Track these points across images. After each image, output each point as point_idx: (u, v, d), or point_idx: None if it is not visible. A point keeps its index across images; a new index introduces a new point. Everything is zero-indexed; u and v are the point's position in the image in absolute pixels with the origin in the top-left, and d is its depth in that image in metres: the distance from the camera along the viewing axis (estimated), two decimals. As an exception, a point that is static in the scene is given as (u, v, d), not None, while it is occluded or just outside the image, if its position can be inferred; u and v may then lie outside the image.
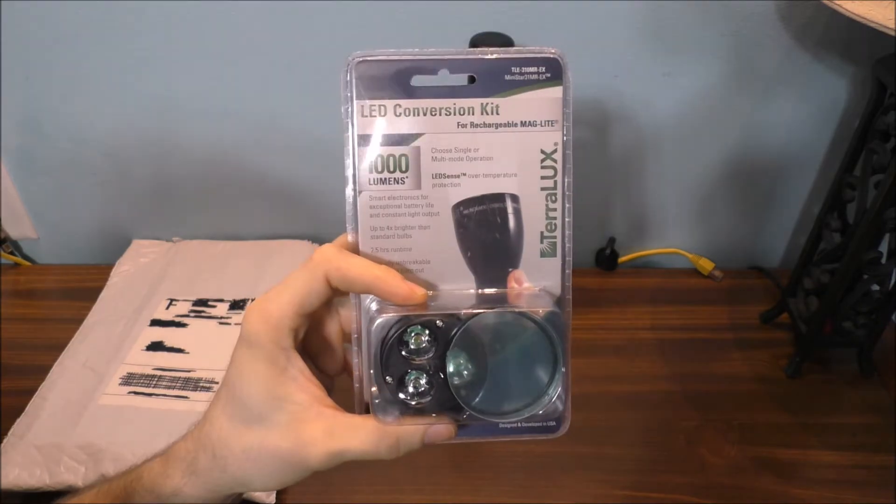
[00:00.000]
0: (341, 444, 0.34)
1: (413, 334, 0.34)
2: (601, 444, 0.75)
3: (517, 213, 0.36)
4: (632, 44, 0.83)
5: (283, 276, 0.35)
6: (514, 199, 0.36)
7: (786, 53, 0.83)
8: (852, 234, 0.75)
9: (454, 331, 0.34)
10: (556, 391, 0.35)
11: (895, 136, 0.70)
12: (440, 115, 0.35)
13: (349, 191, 0.35)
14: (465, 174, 0.35)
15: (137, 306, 0.89)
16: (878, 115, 0.72)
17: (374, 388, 0.34)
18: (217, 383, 0.78)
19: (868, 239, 0.73)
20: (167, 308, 0.88)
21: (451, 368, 0.34)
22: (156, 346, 0.83)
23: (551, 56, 0.34)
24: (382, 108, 0.34)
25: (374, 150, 0.35)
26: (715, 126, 0.90)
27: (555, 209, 0.36)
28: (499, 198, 0.36)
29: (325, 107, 0.86)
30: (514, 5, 0.80)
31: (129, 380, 0.78)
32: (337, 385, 0.40)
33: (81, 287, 0.95)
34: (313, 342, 0.38)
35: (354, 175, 0.35)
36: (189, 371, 0.80)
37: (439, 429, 0.35)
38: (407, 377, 0.34)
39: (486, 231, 0.36)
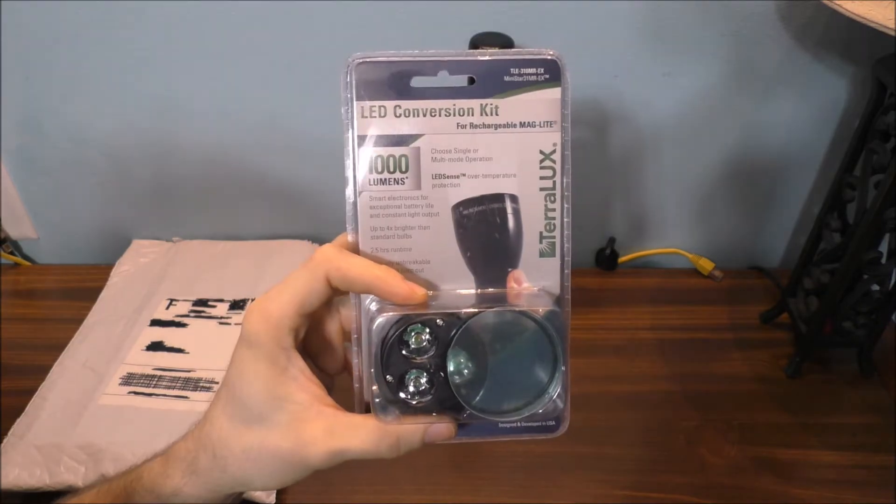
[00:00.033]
0: (342, 444, 0.34)
1: (413, 333, 0.34)
2: (601, 444, 0.75)
3: (516, 213, 0.36)
4: (632, 44, 0.83)
5: (283, 276, 0.35)
6: (514, 199, 0.36)
7: (786, 53, 0.84)
8: (852, 234, 0.75)
9: (454, 330, 0.34)
10: (556, 390, 0.35)
11: (895, 136, 0.70)
12: (440, 115, 0.35)
13: (349, 191, 0.35)
14: (464, 175, 0.35)
15: (137, 306, 0.89)
16: (878, 115, 0.72)
17: (374, 388, 0.35)
18: (217, 383, 0.78)
19: (868, 239, 0.73)
20: (167, 308, 0.88)
21: (451, 367, 0.34)
22: (156, 346, 0.83)
23: (550, 58, 0.35)
24: (382, 108, 0.35)
25: (375, 151, 0.35)
26: (715, 126, 0.90)
27: (554, 209, 0.36)
28: (498, 198, 0.36)
29: (325, 107, 0.87)
30: (514, 5, 0.80)
31: (129, 380, 0.79)
32: (337, 384, 0.40)
33: (81, 287, 0.95)
34: (314, 342, 0.38)
35: (354, 175, 0.35)
36: (189, 371, 0.80)
37: (440, 428, 0.35)
38: (407, 376, 0.34)
39: (486, 231, 0.36)
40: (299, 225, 1.00)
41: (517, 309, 0.34)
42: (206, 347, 0.83)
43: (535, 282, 0.37)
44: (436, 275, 0.36)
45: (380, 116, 0.35)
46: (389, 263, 0.36)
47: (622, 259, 1.01)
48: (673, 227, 1.01)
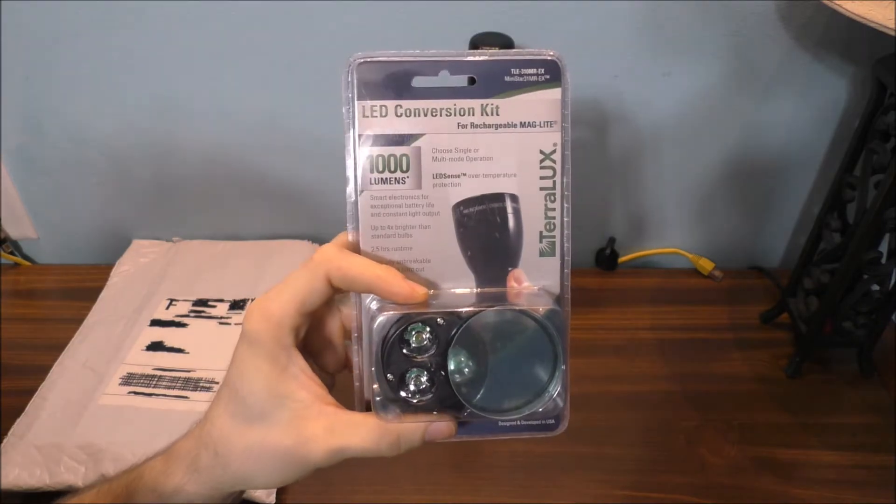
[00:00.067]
0: (342, 442, 0.34)
1: (414, 332, 0.34)
2: (601, 444, 0.75)
3: (517, 212, 0.36)
4: (632, 44, 0.83)
5: (283, 276, 0.35)
6: (514, 198, 0.36)
7: (786, 53, 0.84)
8: (852, 234, 0.75)
9: (455, 329, 0.34)
10: (556, 388, 0.35)
11: (895, 136, 0.70)
12: (441, 115, 0.35)
13: (350, 190, 0.35)
14: (465, 174, 0.35)
15: (137, 306, 0.89)
16: (878, 115, 0.72)
17: (375, 386, 0.35)
18: (217, 383, 0.78)
19: (868, 239, 0.73)
20: (167, 308, 0.88)
21: (452, 366, 0.34)
22: (156, 346, 0.83)
23: (550, 58, 0.35)
24: (383, 108, 0.35)
25: (376, 150, 0.35)
26: (715, 126, 0.90)
27: (554, 209, 0.36)
28: (498, 198, 0.36)
29: (325, 107, 0.87)
30: (514, 5, 0.80)
31: (129, 380, 0.79)
32: (337, 383, 0.40)
33: (81, 287, 0.95)
34: (314, 340, 0.38)
35: (355, 175, 0.35)
36: (189, 371, 0.80)
37: (440, 426, 0.35)
38: (408, 375, 0.35)
39: (486, 230, 0.36)
40: (299, 225, 1.00)
41: (517, 308, 0.35)
42: (206, 347, 0.83)
43: (535, 281, 0.37)
44: (436, 274, 0.36)
45: (381, 116, 0.35)
46: (390, 262, 0.36)
47: (622, 259, 1.01)
48: (673, 227, 1.01)
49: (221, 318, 0.87)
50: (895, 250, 0.74)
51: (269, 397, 0.35)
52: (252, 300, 0.87)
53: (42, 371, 0.80)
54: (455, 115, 0.35)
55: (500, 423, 0.37)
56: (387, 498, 0.70)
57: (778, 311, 0.89)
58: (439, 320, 0.34)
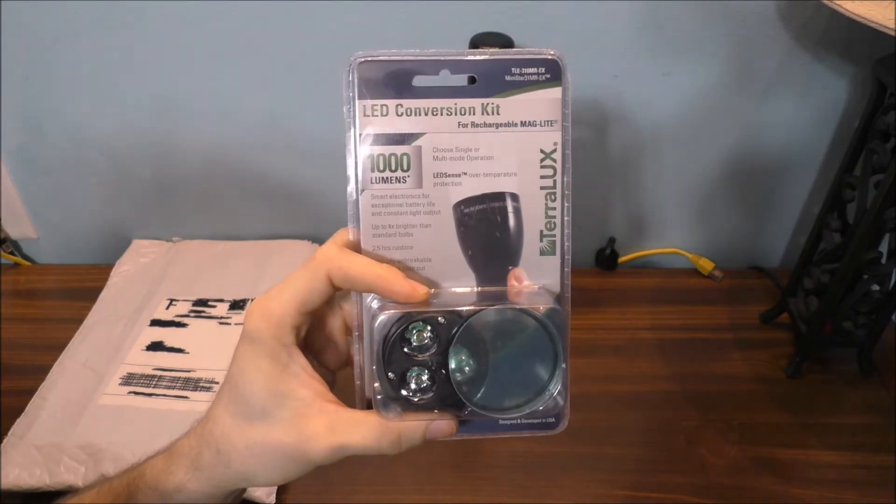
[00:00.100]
0: (344, 439, 0.35)
1: (415, 331, 0.34)
2: (601, 444, 0.75)
3: (517, 211, 0.36)
4: (632, 44, 0.83)
5: (283, 276, 0.35)
6: (514, 198, 0.36)
7: (786, 53, 0.84)
8: (852, 234, 0.75)
9: (456, 327, 0.34)
10: (556, 387, 0.35)
11: (895, 136, 0.70)
12: (441, 114, 0.35)
13: (351, 189, 0.35)
14: (465, 173, 0.36)
15: (137, 306, 0.89)
16: (878, 115, 0.72)
17: (376, 384, 0.35)
18: (217, 383, 0.78)
19: (868, 239, 0.73)
20: (167, 308, 0.88)
21: (453, 365, 0.34)
22: (156, 346, 0.83)
23: (551, 57, 0.35)
24: (384, 107, 0.35)
25: (376, 150, 0.35)
26: (715, 126, 0.90)
27: (554, 208, 0.36)
28: (499, 197, 0.36)
29: (324, 107, 0.87)
30: (514, 5, 0.80)
31: (129, 380, 0.78)
32: (338, 381, 0.40)
33: (81, 287, 0.95)
34: (315, 338, 0.38)
35: (356, 174, 0.35)
36: (189, 371, 0.80)
37: (441, 424, 0.35)
38: (409, 373, 0.35)
39: (487, 229, 0.36)
40: (299, 225, 1.00)
41: (518, 307, 0.35)
42: (206, 347, 0.83)
43: (535, 280, 0.37)
44: (437, 273, 0.36)
45: (381, 115, 0.35)
46: (391, 261, 0.36)
47: (622, 259, 1.01)
48: (673, 227, 1.01)
49: (221, 318, 0.87)
50: (895, 250, 0.74)
51: (270, 396, 0.35)
52: (252, 300, 0.87)
53: (42, 371, 0.79)
54: (456, 114, 0.35)
55: (501, 422, 0.37)
56: (387, 498, 0.70)
57: (778, 311, 0.89)
58: (440, 319, 0.34)
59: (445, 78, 0.35)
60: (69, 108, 0.90)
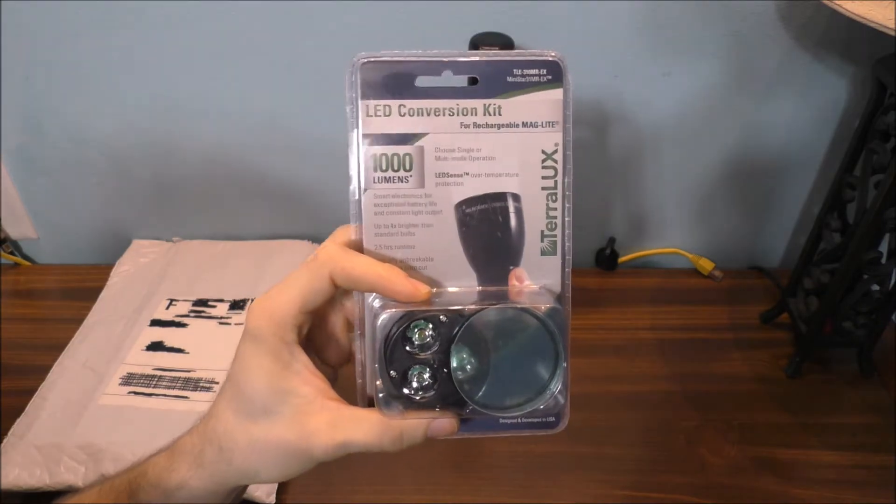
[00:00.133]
0: (345, 436, 0.35)
1: (417, 330, 0.34)
2: (601, 444, 0.75)
3: (518, 212, 0.36)
4: (632, 44, 0.83)
5: (283, 276, 0.36)
6: (516, 198, 0.36)
7: (786, 53, 0.84)
8: (852, 234, 0.75)
9: (457, 326, 0.34)
10: (557, 386, 0.35)
11: (895, 136, 0.70)
12: (444, 115, 0.35)
13: (354, 189, 0.36)
14: (467, 173, 0.36)
15: (137, 306, 0.89)
16: (878, 115, 0.72)
17: (378, 383, 0.35)
18: (217, 383, 0.78)
19: (868, 239, 0.73)
20: (167, 308, 0.88)
21: (454, 363, 0.34)
22: (156, 346, 0.83)
23: (552, 59, 0.35)
24: (387, 108, 0.35)
25: (379, 149, 0.35)
26: (715, 126, 0.90)
27: (555, 208, 0.36)
28: (501, 197, 0.36)
29: (325, 107, 0.87)
30: (514, 5, 0.80)
31: (129, 380, 0.79)
32: (339, 378, 0.40)
33: (81, 287, 0.95)
34: (317, 335, 0.38)
35: (359, 173, 0.35)
36: (189, 371, 0.80)
37: (442, 423, 0.36)
38: (411, 372, 0.35)
39: (488, 229, 0.36)
40: (299, 225, 1.01)
41: (519, 306, 0.35)
42: (206, 347, 0.83)
43: (536, 280, 0.37)
44: (438, 272, 0.36)
45: (384, 115, 0.35)
46: (392, 260, 0.36)
47: (622, 259, 1.02)
48: (673, 227, 1.01)
49: (221, 318, 0.87)
50: (895, 250, 0.74)
51: (272, 393, 0.35)
52: (252, 300, 0.87)
53: (42, 371, 0.80)
54: (458, 114, 0.35)
55: (502, 421, 0.37)
56: (387, 498, 0.70)
57: (778, 311, 0.89)
58: (442, 318, 0.34)
59: (448, 79, 0.35)
60: (69, 108, 0.90)
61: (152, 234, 1.02)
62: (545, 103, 0.35)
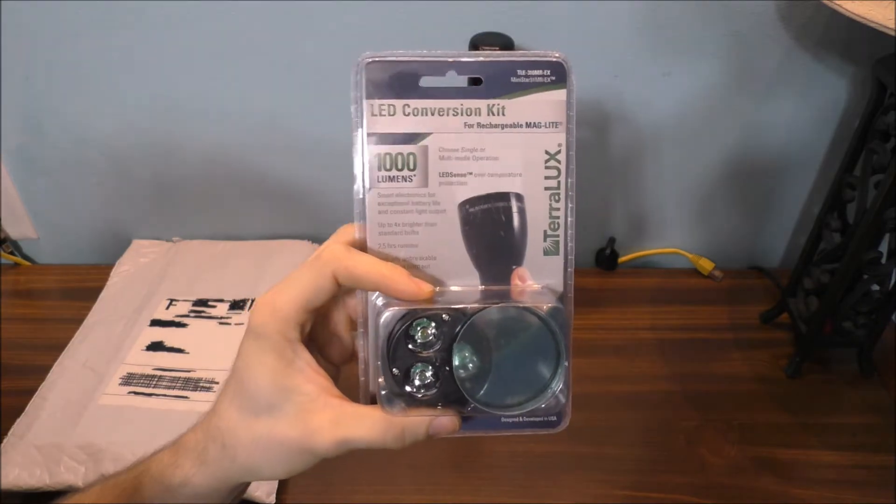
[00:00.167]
0: (348, 433, 0.35)
1: (419, 328, 0.35)
2: (601, 444, 0.75)
3: (521, 211, 0.36)
4: (632, 44, 0.83)
5: (283, 277, 0.36)
6: (519, 198, 0.36)
7: (786, 53, 0.84)
8: (852, 234, 0.75)
9: (460, 325, 0.34)
10: (558, 385, 0.35)
11: (895, 136, 0.70)
12: (448, 115, 0.35)
13: (358, 188, 0.36)
14: (471, 173, 0.36)
15: (137, 306, 0.89)
16: (878, 115, 0.72)
17: (380, 380, 0.35)
18: (217, 383, 0.78)
19: (868, 239, 0.73)
20: (167, 308, 0.88)
21: (456, 362, 0.35)
22: (156, 346, 0.83)
23: (556, 60, 0.35)
24: (391, 107, 0.35)
25: (383, 149, 0.35)
26: (715, 126, 0.90)
27: (558, 209, 0.37)
28: (504, 197, 0.36)
29: (325, 107, 0.87)
30: (514, 5, 0.80)
31: (129, 380, 0.78)
32: (342, 376, 0.40)
33: (81, 287, 0.95)
34: (320, 333, 0.39)
35: (363, 173, 0.35)
36: (189, 371, 0.80)
37: (444, 421, 0.36)
38: (413, 370, 0.35)
39: (491, 229, 0.36)
40: (299, 225, 1.00)
41: (521, 305, 0.35)
42: (206, 347, 0.83)
43: (538, 280, 0.37)
44: (441, 271, 0.36)
45: (389, 115, 0.35)
46: (395, 259, 0.36)
47: (622, 259, 1.02)
48: (673, 227, 1.01)
49: (221, 318, 0.87)
50: (895, 250, 0.74)
51: (275, 390, 0.35)
52: (252, 300, 0.87)
53: (42, 371, 0.79)
54: (462, 114, 0.35)
55: (503, 420, 0.37)
56: (387, 498, 0.70)
57: (778, 311, 0.89)
58: (444, 316, 0.34)
59: (452, 79, 0.35)
60: (69, 108, 0.90)
61: (152, 234, 1.02)
62: (549, 104, 0.36)
